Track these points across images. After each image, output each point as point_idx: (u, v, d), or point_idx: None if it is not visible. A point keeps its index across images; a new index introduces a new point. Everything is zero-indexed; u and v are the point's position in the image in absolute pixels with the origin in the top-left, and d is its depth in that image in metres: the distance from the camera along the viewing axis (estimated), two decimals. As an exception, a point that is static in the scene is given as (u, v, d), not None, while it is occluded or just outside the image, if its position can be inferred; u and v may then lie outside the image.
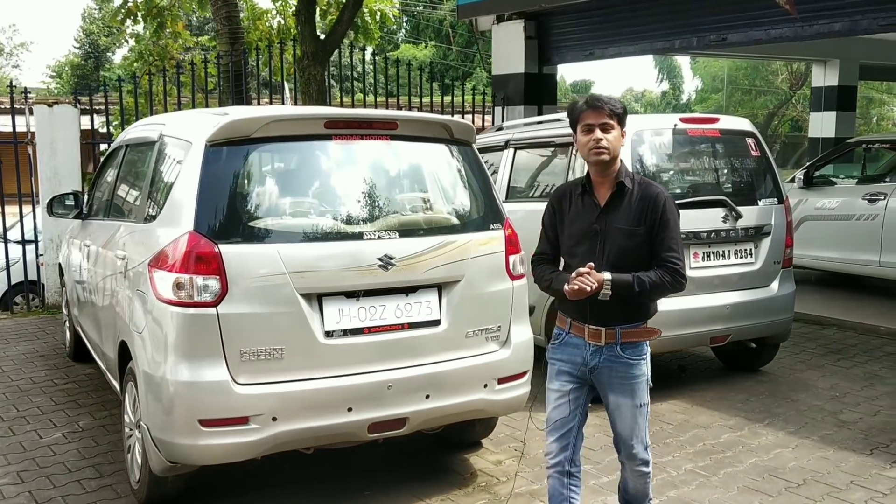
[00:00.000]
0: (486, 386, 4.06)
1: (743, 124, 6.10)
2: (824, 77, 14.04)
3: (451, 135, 4.19)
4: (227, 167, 3.67)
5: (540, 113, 10.33)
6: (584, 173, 3.22)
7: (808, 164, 9.59)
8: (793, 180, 9.52)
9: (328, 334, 3.67)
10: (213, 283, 3.48)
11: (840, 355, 6.82)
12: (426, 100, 10.63)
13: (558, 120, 6.56)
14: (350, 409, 3.68)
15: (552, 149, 6.20)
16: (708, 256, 5.58)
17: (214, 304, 3.48)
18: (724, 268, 5.65)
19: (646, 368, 3.19)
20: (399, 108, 10.93)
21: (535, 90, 10.77)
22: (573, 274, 3.00)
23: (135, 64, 12.67)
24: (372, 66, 10.87)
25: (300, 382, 3.61)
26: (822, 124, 14.07)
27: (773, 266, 5.90)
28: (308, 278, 3.62)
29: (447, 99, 11.04)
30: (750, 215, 5.74)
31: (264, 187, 3.79)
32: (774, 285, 5.92)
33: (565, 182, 3.73)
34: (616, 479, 3.59)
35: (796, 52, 13.61)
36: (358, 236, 3.76)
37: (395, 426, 3.83)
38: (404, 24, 42.86)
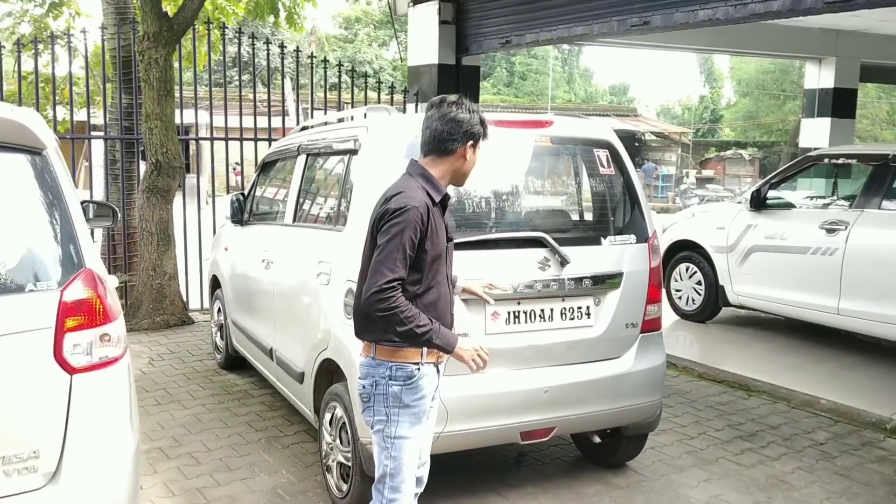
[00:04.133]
0: (-3, 552, 2.48)
1: (594, 131, 4.33)
2: (819, 78, 12.04)
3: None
4: None
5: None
6: (421, 186, 2.84)
7: (761, 181, 7.79)
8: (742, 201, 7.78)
9: None
10: None
11: (750, 443, 5.06)
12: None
13: (353, 118, 4.94)
14: None
15: (334, 157, 4.57)
16: (516, 318, 3.89)
17: None
18: (543, 333, 3.93)
19: None
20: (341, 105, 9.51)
21: (452, 84, 9.14)
22: (475, 348, 2.88)
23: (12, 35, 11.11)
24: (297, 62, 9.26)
25: None
26: (816, 132, 12.08)
27: (626, 330, 4.17)
28: None
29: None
30: (586, 259, 4.02)
31: None
32: (628, 357, 4.18)
33: (417, 194, 2.81)
34: None
35: (783, 47, 11.68)
36: None
37: None
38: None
